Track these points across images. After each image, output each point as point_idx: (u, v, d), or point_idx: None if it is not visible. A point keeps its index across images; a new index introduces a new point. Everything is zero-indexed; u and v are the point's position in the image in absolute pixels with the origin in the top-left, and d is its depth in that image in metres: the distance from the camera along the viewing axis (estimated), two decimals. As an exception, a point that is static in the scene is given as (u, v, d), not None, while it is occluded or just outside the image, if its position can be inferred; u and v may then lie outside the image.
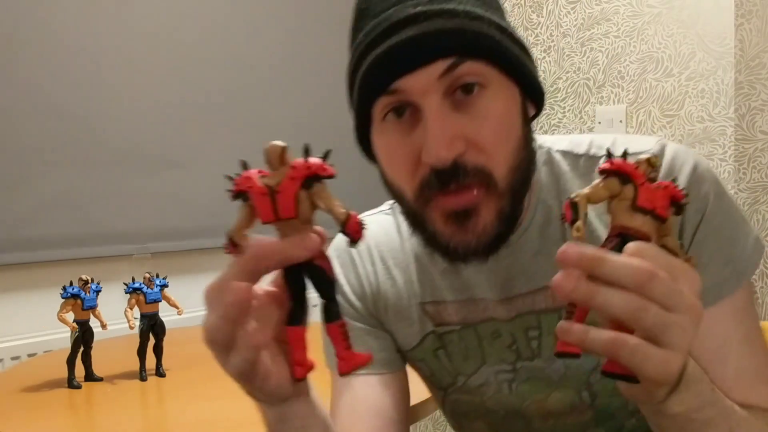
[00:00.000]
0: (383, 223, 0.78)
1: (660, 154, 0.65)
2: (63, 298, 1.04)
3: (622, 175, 0.46)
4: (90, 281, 1.06)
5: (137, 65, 1.83)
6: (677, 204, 0.47)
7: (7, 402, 0.98)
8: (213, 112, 1.98)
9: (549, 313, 0.67)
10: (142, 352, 1.08)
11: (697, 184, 0.63)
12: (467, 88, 0.58)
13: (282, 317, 0.48)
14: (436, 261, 0.71)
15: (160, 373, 1.08)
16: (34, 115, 1.66)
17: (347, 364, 0.48)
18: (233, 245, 0.46)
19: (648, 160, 0.47)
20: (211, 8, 1.97)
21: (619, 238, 0.46)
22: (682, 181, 0.63)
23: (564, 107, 1.97)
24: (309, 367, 0.49)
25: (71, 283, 1.05)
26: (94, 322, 1.07)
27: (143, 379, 1.06)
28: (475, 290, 0.70)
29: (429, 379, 0.78)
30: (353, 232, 0.45)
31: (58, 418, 0.91)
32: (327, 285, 0.49)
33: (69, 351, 1.05)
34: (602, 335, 0.42)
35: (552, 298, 0.66)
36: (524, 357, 0.70)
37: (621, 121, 1.85)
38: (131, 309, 1.06)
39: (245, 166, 0.48)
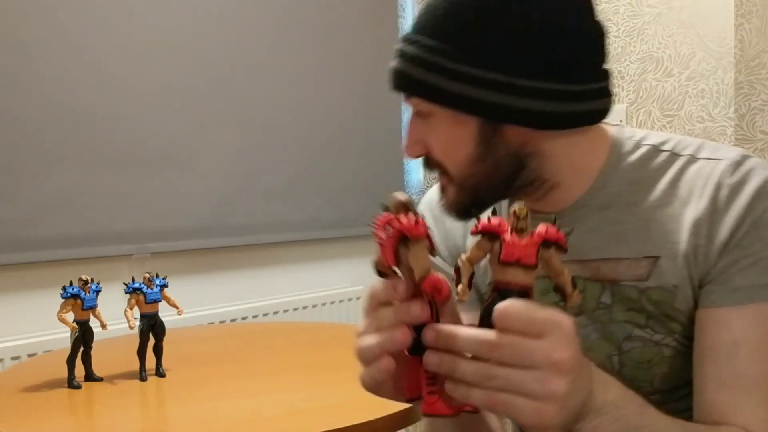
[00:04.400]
0: None
1: (736, 164, 0.72)
2: (63, 298, 1.04)
3: (489, 233, 0.51)
4: (90, 281, 1.06)
5: (138, 65, 1.83)
6: (557, 244, 0.51)
7: (7, 402, 0.98)
8: (213, 112, 1.98)
9: (594, 282, 0.75)
10: (142, 352, 1.08)
11: (758, 198, 0.70)
12: (422, 113, 0.74)
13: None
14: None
15: (160, 373, 1.08)
16: (34, 115, 1.66)
17: (428, 407, 0.53)
18: (379, 272, 0.53)
19: (514, 212, 0.50)
20: (212, 8, 1.97)
21: (496, 293, 0.50)
22: (745, 194, 0.70)
23: (564, 107, 1.96)
24: (432, 406, 0.53)
25: (71, 283, 1.05)
26: (94, 322, 1.06)
27: (143, 379, 1.06)
28: None
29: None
30: (428, 292, 0.50)
31: (58, 418, 0.91)
32: (419, 332, 0.52)
33: (69, 351, 1.05)
34: (482, 394, 0.49)
35: (596, 271, 0.75)
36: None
37: (621, 121, 1.85)
38: (131, 309, 1.06)
39: (386, 209, 0.53)
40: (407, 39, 0.73)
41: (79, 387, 1.03)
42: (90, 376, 1.06)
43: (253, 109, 2.07)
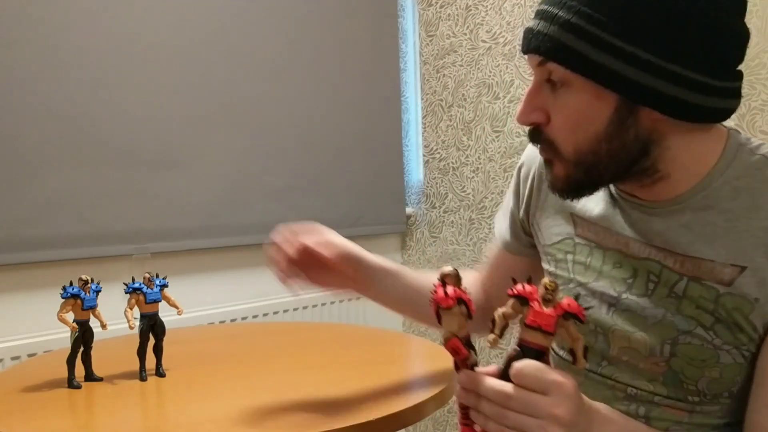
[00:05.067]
0: None
1: None
2: (63, 298, 1.04)
3: (521, 298, 0.62)
4: (90, 281, 1.06)
5: (137, 65, 1.83)
6: (575, 316, 0.61)
7: (7, 402, 0.98)
8: (213, 112, 1.98)
9: (672, 272, 0.76)
10: (142, 352, 1.08)
11: None
12: (552, 82, 0.73)
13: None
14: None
15: (160, 373, 1.08)
16: (33, 115, 1.66)
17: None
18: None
19: (544, 285, 0.61)
20: (212, 8, 1.97)
21: (518, 348, 0.63)
22: None
23: (564, 107, 1.96)
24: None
25: (71, 283, 1.05)
26: (94, 322, 1.06)
27: (143, 379, 1.06)
28: (621, 226, 0.82)
29: (550, 272, 0.92)
30: (449, 351, 0.64)
31: (58, 418, 0.91)
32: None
33: (69, 351, 1.05)
34: (496, 428, 0.62)
35: (680, 264, 0.76)
36: (634, 292, 0.79)
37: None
38: (131, 309, 1.06)
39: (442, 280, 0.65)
40: (555, 2, 0.70)
41: (79, 387, 1.03)
42: (90, 376, 1.06)
43: (253, 109, 2.07)
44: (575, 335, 0.62)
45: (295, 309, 2.16)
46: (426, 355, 1.21)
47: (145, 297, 1.06)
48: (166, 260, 1.92)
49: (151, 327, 1.08)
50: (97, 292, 1.07)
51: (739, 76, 0.74)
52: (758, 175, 0.74)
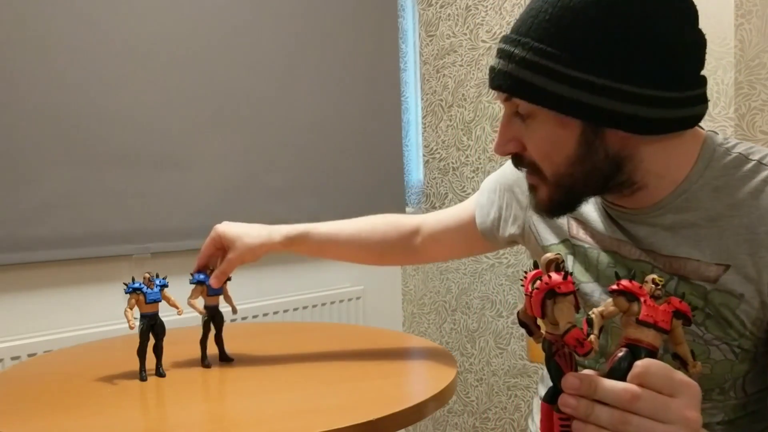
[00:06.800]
0: None
1: None
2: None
3: (629, 294, 0.57)
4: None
5: (138, 65, 1.83)
6: (685, 316, 0.56)
7: (7, 402, 0.98)
8: (213, 112, 1.98)
9: (663, 272, 0.78)
10: (142, 352, 1.08)
11: None
12: (521, 114, 0.77)
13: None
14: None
15: (160, 373, 1.08)
16: (34, 115, 1.66)
17: None
18: (521, 322, 0.61)
19: (652, 280, 0.57)
20: (212, 8, 1.97)
21: (627, 348, 0.56)
22: None
23: (564, 107, 1.96)
24: None
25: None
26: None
27: (143, 379, 1.06)
28: (612, 230, 0.85)
29: None
30: (570, 344, 0.55)
31: (58, 418, 0.91)
32: (557, 380, 0.58)
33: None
34: None
35: (667, 264, 0.78)
36: None
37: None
38: (131, 309, 1.06)
39: (536, 265, 0.60)
40: (511, 40, 0.74)
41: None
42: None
43: (253, 109, 2.07)
44: (681, 337, 0.58)
45: (295, 309, 2.16)
46: (426, 354, 1.21)
47: (145, 297, 1.06)
48: (166, 260, 1.92)
49: (151, 327, 1.08)
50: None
51: (701, 82, 0.75)
52: (735, 173, 0.76)
